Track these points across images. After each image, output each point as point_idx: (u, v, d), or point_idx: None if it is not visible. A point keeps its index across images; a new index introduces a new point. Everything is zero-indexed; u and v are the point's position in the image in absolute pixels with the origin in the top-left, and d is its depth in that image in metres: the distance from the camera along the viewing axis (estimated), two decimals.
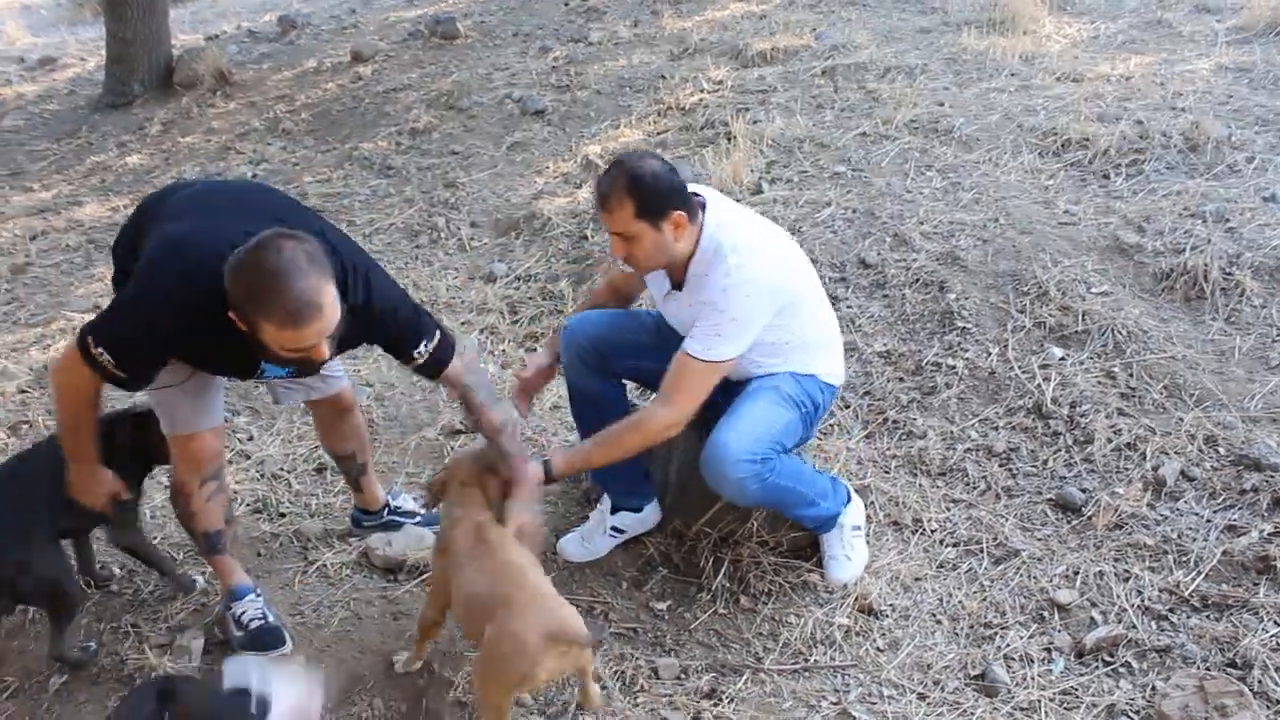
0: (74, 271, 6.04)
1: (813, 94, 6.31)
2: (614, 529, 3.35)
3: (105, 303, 5.28)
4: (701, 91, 6.56)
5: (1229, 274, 4.20)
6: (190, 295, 2.44)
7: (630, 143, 6.03)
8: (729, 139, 5.61)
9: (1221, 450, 3.50)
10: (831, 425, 3.80)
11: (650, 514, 3.38)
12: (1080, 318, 4.06)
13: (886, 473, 3.61)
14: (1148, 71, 6.22)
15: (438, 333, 2.80)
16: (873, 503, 3.45)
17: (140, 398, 2.97)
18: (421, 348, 2.76)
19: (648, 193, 2.78)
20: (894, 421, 3.82)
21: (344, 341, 2.58)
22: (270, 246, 2.33)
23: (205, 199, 2.79)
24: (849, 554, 3.20)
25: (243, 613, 3.01)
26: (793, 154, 5.52)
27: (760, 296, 2.85)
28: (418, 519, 3.48)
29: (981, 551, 3.28)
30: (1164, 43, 6.81)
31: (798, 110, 6.06)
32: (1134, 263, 4.39)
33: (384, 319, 2.69)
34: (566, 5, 8.99)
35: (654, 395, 3.06)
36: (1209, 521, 3.25)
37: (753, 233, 2.96)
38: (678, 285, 3.00)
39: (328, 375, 3.14)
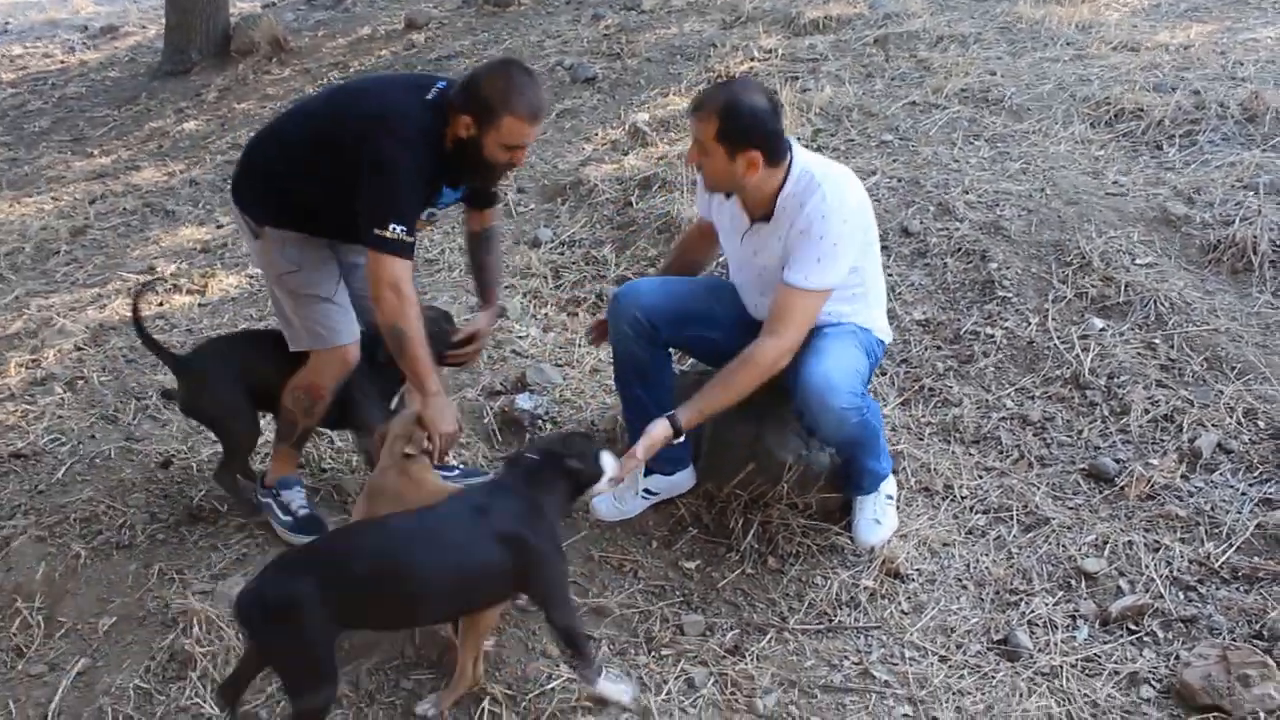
0: (130, 234, 6.21)
1: (863, 63, 6.27)
2: (647, 491, 3.38)
3: (160, 264, 5.46)
4: (752, 60, 6.54)
5: (1279, 246, 4.12)
6: (422, 125, 2.89)
7: (680, 111, 6.03)
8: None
9: (1261, 424, 3.45)
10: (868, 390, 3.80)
11: (684, 478, 3.41)
12: (1123, 289, 4.01)
13: (920, 440, 3.61)
14: (1209, 40, 6.09)
15: None
16: (904, 469, 3.46)
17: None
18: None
19: (736, 121, 2.78)
20: (930, 389, 3.82)
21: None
22: (515, 61, 2.98)
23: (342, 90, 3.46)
24: (879, 518, 3.21)
25: (290, 500, 3.36)
26: (840, 123, 5.49)
27: (856, 224, 2.89)
28: (455, 472, 3.54)
29: (1011, 519, 3.28)
30: (1229, 10, 6.66)
31: (847, 79, 6.02)
32: (1181, 234, 4.32)
33: None
34: None
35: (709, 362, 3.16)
36: (1243, 494, 3.22)
37: (842, 168, 3.02)
38: (765, 218, 2.97)
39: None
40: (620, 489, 3.37)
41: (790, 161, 2.90)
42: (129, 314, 4.98)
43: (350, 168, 2.88)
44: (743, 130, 2.79)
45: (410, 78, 3.16)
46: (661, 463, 3.34)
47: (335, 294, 3.21)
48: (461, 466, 3.57)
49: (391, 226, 2.81)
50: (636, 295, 3.22)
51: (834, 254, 2.85)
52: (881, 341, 3.20)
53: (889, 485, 3.28)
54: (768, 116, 2.82)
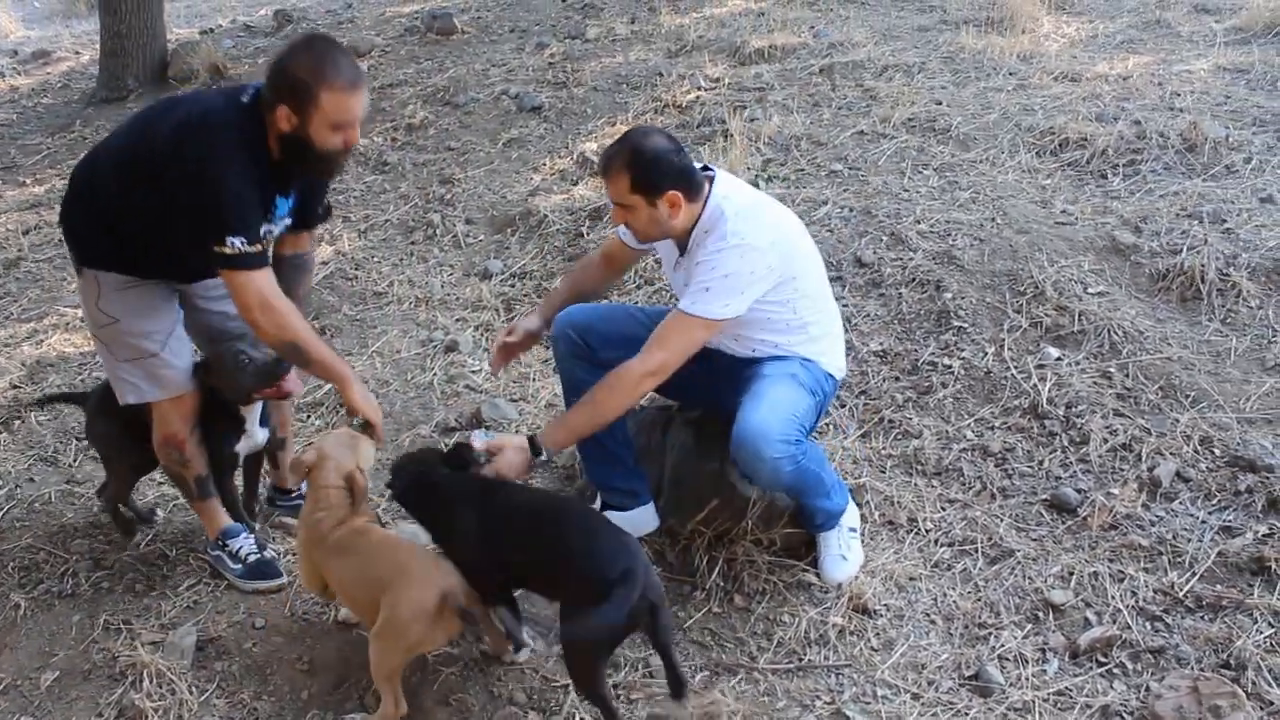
0: (66, 266, 6.00)
1: (810, 92, 6.30)
2: None
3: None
4: (699, 89, 6.54)
5: (1225, 275, 4.19)
6: (241, 129, 2.71)
7: None
8: (725, 136, 5.60)
9: (1217, 451, 3.49)
10: (827, 424, 3.79)
11: (643, 516, 3.34)
12: (1077, 318, 4.05)
13: (882, 472, 3.60)
14: (1146, 71, 6.22)
15: None
16: (868, 502, 3.44)
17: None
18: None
19: (646, 169, 2.81)
20: (890, 421, 3.81)
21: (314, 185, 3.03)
22: (319, 35, 2.81)
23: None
24: (845, 553, 3.18)
25: (239, 548, 3.23)
26: (789, 152, 5.50)
27: (753, 258, 2.84)
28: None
29: (976, 551, 3.27)
30: (1162, 43, 6.81)
31: (795, 108, 6.05)
32: (1130, 263, 4.38)
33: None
34: (564, 1, 8.97)
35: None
36: (1204, 522, 3.25)
37: (758, 202, 2.99)
38: (683, 251, 3.03)
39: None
40: None
41: (709, 194, 2.91)
42: (65, 351, 4.86)
43: (170, 192, 2.68)
44: (655, 175, 2.81)
45: (226, 87, 2.96)
46: (613, 494, 3.31)
47: (164, 346, 2.99)
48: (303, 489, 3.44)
49: (229, 241, 2.64)
50: (569, 315, 3.24)
51: (724, 286, 2.82)
52: (831, 376, 3.14)
53: (850, 517, 3.24)
54: (674, 154, 2.84)
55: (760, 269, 2.85)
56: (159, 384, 3.02)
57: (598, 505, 3.34)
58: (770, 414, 2.86)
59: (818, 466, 3.02)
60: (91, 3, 12.33)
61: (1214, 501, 3.32)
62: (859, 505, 3.36)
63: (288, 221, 3.00)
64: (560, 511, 2.80)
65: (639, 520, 3.32)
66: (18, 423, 4.24)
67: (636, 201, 2.85)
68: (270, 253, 2.86)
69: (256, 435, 3.24)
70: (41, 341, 5.01)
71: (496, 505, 2.73)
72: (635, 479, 3.33)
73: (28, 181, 7.73)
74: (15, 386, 4.57)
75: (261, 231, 2.76)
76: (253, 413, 3.20)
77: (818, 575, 3.18)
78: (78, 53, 10.80)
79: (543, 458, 2.91)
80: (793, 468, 2.88)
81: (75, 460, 3.96)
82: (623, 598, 2.40)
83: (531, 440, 2.88)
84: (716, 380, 3.11)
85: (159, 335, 3.00)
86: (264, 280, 2.72)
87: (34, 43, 11.82)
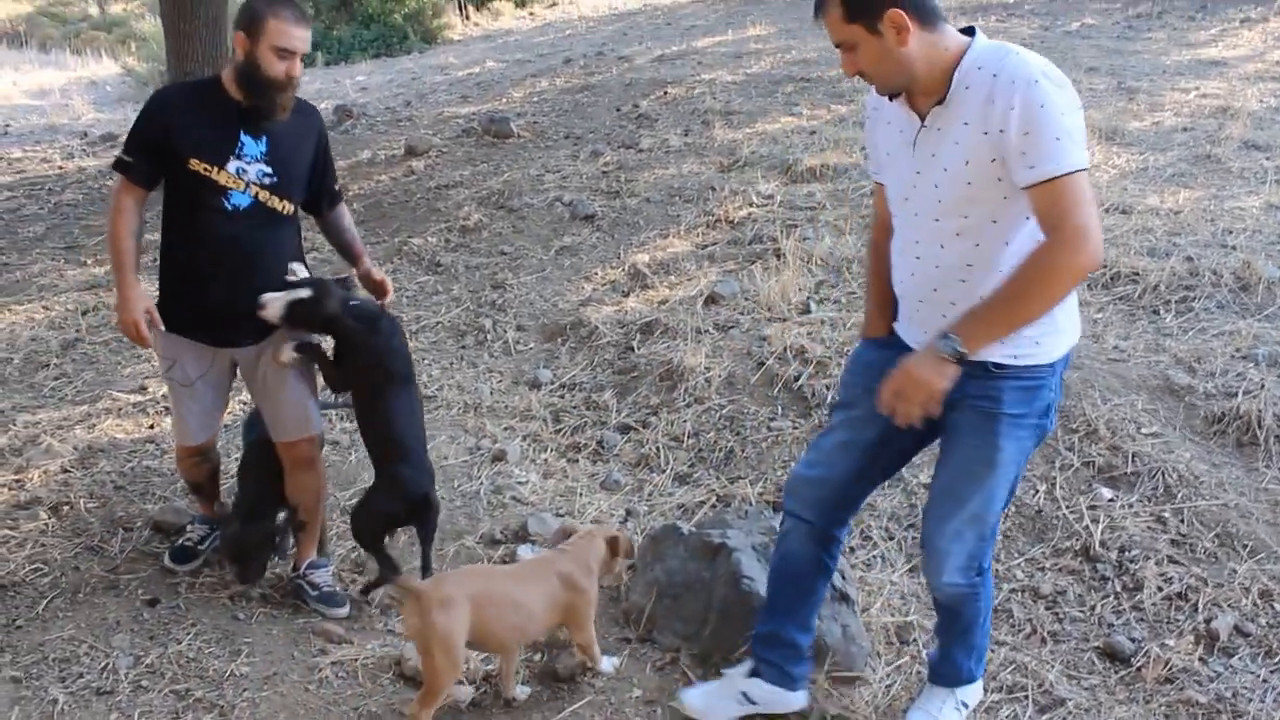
0: (122, 350, 6.11)
1: (862, 213, 6.37)
2: (745, 696, 3.02)
3: (151, 383, 5.39)
4: (751, 205, 6.64)
5: None
6: (193, 81, 3.58)
7: (679, 254, 6.08)
8: (778, 256, 5.66)
9: (1278, 606, 3.42)
10: (874, 557, 3.75)
11: (797, 698, 3.04)
12: (1130, 459, 4.01)
13: (930, 609, 3.54)
14: (1197, 206, 6.25)
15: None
16: (915, 639, 3.38)
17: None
18: (337, 186, 3.74)
19: None
20: None
21: (299, 146, 3.45)
22: None
23: None
24: (939, 716, 2.97)
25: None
26: (841, 274, 5.55)
27: (1074, 99, 2.31)
28: (315, 594, 3.67)
29: (1026, 698, 3.19)
30: (1213, 178, 6.85)
31: (847, 229, 6.11)
32: (1185, 404, 4.35)
33: (326, 137, 3.61)
34: (619, 110, 9.18)
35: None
36: (1265, 681, 3.16)
37: None
38: (940, 101, 2.42)
39: (294, 415, 3.56)
40: (716, 685, 3.10)
41: (946, 35, 2.41)
42: (116, 436, 4.91)
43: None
44: None
45: None
46: (777, 667, 3.00)
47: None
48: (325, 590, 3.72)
49: (122, 154, 3.34)
50: (805, 492, 2.89)
51: (1071, 122, 2.26)
52: (1058, 379, 2.58)
53: (970, 693, 3.01)
54: None
55: (1079, 119, 2.30)
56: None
57: (745, 668, 3.08)
58: (957, 537, 2.62)
59: (984, 614, 2.84)
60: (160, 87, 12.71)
61: (1276, 659, 3.24)
62: (972, 682, 3.04)
63: (266, 170, 3.35)
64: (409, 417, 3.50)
65: (791, 700, 3.03)
66: (66, 508, 4.27)
67: (857, 33, 2.37)
68: (258, 198, 3.36)
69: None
70: (94, 425, 5.06)
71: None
72: (800, 655, 3.02)
73: (89, 262, 7.90)
74: (66, 470, 4.61)
75: (230, 169, 3.29)
76: None
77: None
78: None
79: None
80: (972, 608, 2.78)
81: (121, 551, 3.97)
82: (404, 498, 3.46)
83: (949, 341, 2.34)
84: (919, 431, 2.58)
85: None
86: (120, 185, 3.36)
87: (104, 125, 12.21)
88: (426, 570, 3.53)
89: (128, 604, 3.62)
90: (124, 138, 3.51)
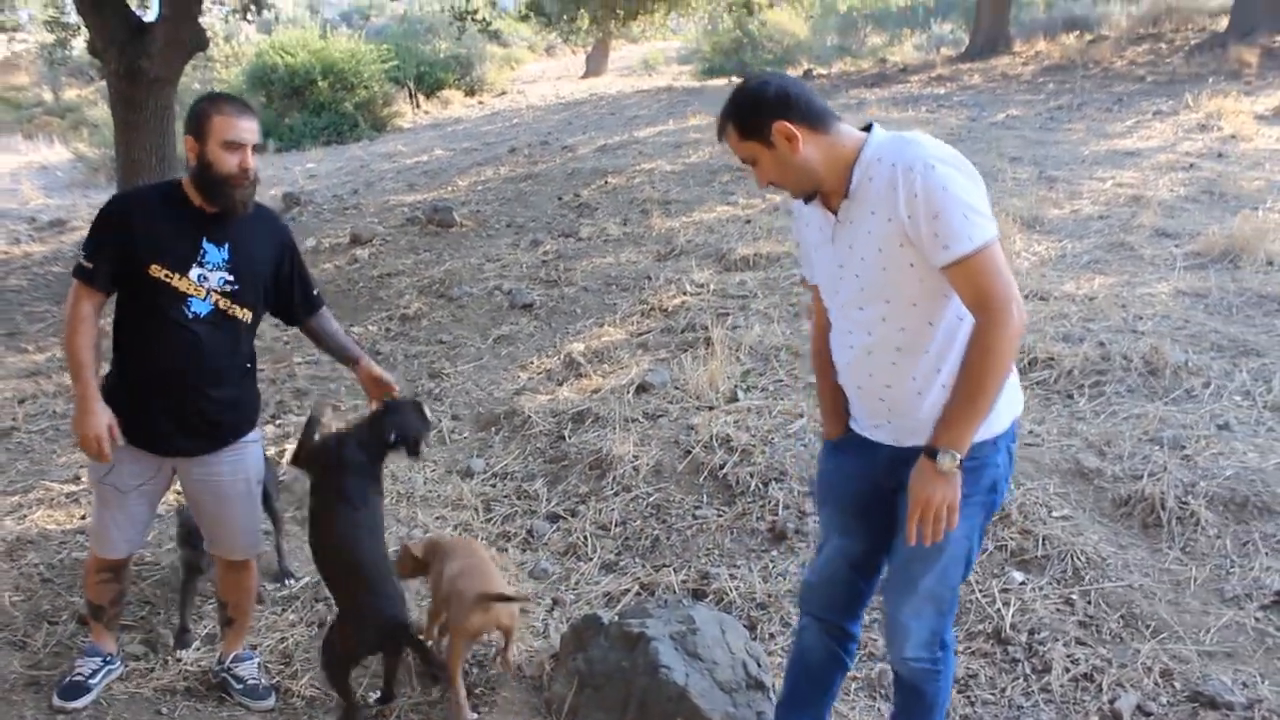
0: (58, 439, 6.11)
1: (791, 301, 6.57)
2: None
3: (85, 473, 5.39)
4: (684, 294, 6.82)
5: (1184, 503, 4.32)
6: (151, 185, 3.54)
7: (614, 342, 6.22)
8: (708, 344, 5.81)
9: (1177, 685, 3.54)
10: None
11: None
12: (1040, 542, 4.15)
13: (846, 695, 3.63)
14: (1110, 293, 6.51)
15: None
16: None
17: None
18: (315, 292, 3.72)
19: (744, 112, 2.55)
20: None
21: (261, 255, 3.44)
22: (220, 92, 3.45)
23: None
24: None
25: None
26: (769, 362, 5.71)
27: (971, 175, 2.46)
28: (240, 687, 3.69)
29: None
30: (1126, 264, 7.14)
31: (776, 317, 6.29)
32: (1094, 487, 4.52)
33: (293, 247, 3.62)
34: (560, 199, 9.39)
35: None
36: None
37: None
38: (845, 195, 2.57)
39: (242, 542, 3.64)
40: None
41: (842, 136, 2.57)
42: (47, 528, 4.90)
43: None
44: (752, 113, 2.55)
45: None
46: None
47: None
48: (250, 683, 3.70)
49: (81, 260, 3.29)
50: (818, 598, 3.03)
51: (972, 197, 2.41)
52: (1010, 450, 2.72)
53: None
54: (764, 89, 2.56)
55: (981, 192, 2.46)
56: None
57: None
58: (916, 615, 2.74)
59: (945, 693, 2.91)
60: (111, 174, 12.79)
61: None
62: None
63: (228, 277, 3.35)
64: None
65: None
66: None
67: (755, 149, 2.55)
68: (218, 305, 3.35)
69: None
70: (24, 517, 5.05)
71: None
72: None
73: (30, 349, 7.91)
74: None
75: (193, 277, 3.29)
76: None
77: None
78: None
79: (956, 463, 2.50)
80: (933, 687, 2.86)
81: (45, 644, 3.96)
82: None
83: (931, 452, 2.48)
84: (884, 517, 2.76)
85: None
86: (79, 291, 3.28)
87: (52, 211, 12.23)
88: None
89: (48, 702, 3.61)
90: (77, 233, 3.59)
